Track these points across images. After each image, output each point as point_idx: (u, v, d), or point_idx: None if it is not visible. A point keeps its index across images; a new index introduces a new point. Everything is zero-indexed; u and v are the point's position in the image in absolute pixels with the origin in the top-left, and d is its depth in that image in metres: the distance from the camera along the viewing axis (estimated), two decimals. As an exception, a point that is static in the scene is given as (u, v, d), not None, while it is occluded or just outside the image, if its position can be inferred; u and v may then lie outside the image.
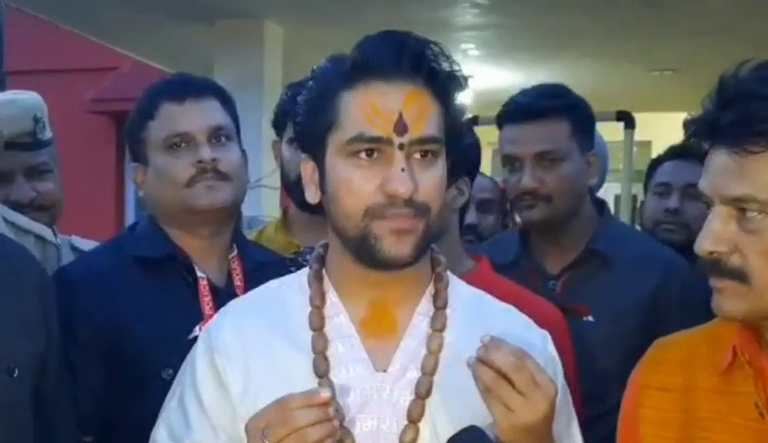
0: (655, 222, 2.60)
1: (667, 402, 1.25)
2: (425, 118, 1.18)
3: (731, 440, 1.18)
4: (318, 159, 1.23)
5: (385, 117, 1.17)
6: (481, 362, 1.10)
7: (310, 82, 1.25)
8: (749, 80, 1.12)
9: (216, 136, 1.73)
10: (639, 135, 4.05)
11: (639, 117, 3.93)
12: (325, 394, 1.11)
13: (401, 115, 1.16)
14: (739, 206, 1.11)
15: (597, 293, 1.96)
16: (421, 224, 1.18)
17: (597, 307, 1.94)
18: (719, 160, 1.13)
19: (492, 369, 1.09)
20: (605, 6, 5.49)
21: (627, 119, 3.78)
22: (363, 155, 1.18)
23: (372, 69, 1.18)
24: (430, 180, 1.18)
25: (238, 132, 1.80)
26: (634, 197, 4.45)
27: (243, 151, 1.81)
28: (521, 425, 1.10)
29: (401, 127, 1.16)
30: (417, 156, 1.18)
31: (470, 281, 1.35)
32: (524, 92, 2.05)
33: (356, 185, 1.18)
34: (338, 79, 1.20)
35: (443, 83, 1.21)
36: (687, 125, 1.18)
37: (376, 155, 1.17)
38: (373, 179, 1.17)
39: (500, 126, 2.03)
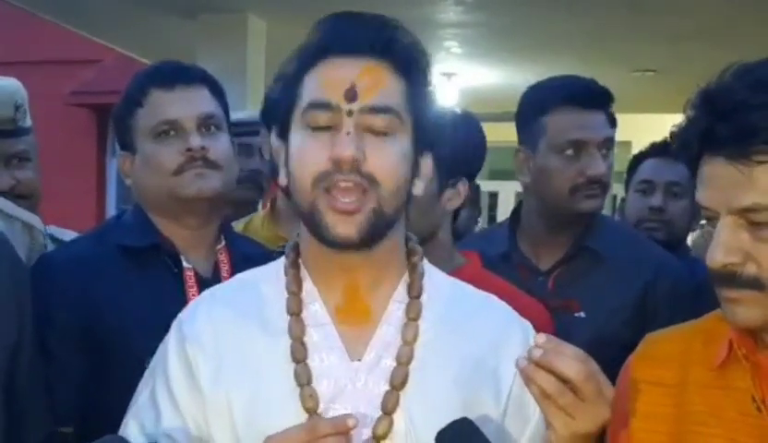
0: (639, 220, 2.60)
1: (660, 397, 1.24)
2: (378, 88, 1.18)
3: (726, 435, 1.17)
4: (286, 140, 1.23)
5: (337, 85, 1.17)
6: (538, 365, 1.05)
7: (280, 71, 1.26)
8: (739, 89, 1.09)
9: (206, 124, 1.71)
10: (619, 135, 4.05)
11: (619, 118, 3.94)
12: (352, 422, 1.09)
13: (353, 84, 1.17)
14: (748, 215, 1.09)
15: (588, 289, 1.97)
16: (369, 202, 1.16)
17: (588, 303, 1.94)
18: (720, 171, 1.10)
19: (552, 375, 1.05)
20: (587, 7, 5.53)
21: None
22: (318, 127, 1.18)
23: (330, 47, 1.20)
24: (381, 154, 1.17)
25: (228, 121, 1.79)
26: (614, 197, 4.48)
27: (231, 141, 1.79)
28: (583, 432, 1.07)
29: (351, 94, 1.17)
30: (371, 131, 1.17)
31: (459, 278, 1.34)
32: (573, 79, 2.04)
33: (308, 155, 1.18)
34: (301, 63, 1.22)
35: (402, 58, 1.21)
36: (674, 135, 1.16)
37: (330, 129, 1.17)
38: (324, 150, 1.17)
39: (546, 111, 1.98)
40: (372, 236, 1.19)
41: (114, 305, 1.65)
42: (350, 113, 1.17)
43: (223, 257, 1.75)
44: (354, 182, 1.16)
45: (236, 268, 1.71)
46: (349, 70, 1.18)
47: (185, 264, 1.71)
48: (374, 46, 1.19)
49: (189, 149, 1.67)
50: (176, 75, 1.73)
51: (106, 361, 1.63)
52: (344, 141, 1.15)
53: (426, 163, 1.26)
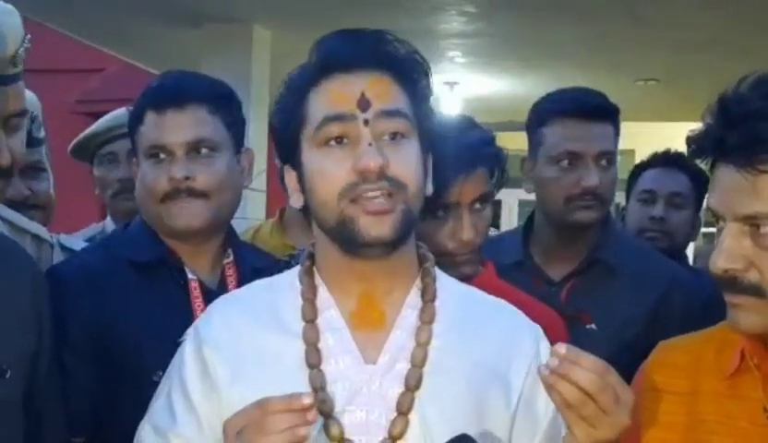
0: (639, 229, 2.62)
1: (672, 405, 1.26)
2: (388, 95, 1.21)
3: None
4: (297, 164, 1.25)
5: (348, 98, 1.20)
6: (558, 376, 1.07)
7: (280, 93, 1.28)
8: (753, 99, 1.12)
9: (197, 149, 1.66)
10: (622, 144, 4.07)
11: (622, 126, 3.95)
12: (307, 400, 1.08)
13: (363, 94, 1.20)
14: (753, 222, 1.11)
15: (601, 301, 1.97)
16: (399, 203, 1.19)
17: (600, 316, 1.94)
18: (728, 177, 1.12)
19: (574, 386, 1.07)
20: (589, 17, 5.54)
21: (612, 127, 3.80)
22: (332, 143, 1.20)
23: (332, 65, 1.22)
24: (402, 157, 1.20)
25: (237, 135, 1.74)
26: (617, 206, 4.49)
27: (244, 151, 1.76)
28: (603, 440, 1.10)
29: (363, 103, 1.19)
30: (386, 138, 1.20)
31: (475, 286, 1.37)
32: (576, 91, 2.06)
33: (329, 171, 1.20)
34: (303, 83, 1.24)
35: (404, 68, 1.24)
36: (690, 141, 1.18)
37: (345, 141, 1.20)
38: (344, 162, 1.19)
39: (545, 122, 2.01)
40: (402, 236, 1.21)
41: (123, 317, 1.66)
42: (366, 121, 1.19)
43: (231, 272, 1.75)
44: (382, 188, 1.18)
45: (244, 281, 1.67)
46: (356, 84, 1.21)
47: (189, 275, 1.72)
48: (375, 60, 1.22)
49: (172, 178, 1.65)
50: (170, 97, 1.67)
51: (116, 372, 1.64)
52: (368, 152, 1.17)
53: (428, 164, 1.29)
